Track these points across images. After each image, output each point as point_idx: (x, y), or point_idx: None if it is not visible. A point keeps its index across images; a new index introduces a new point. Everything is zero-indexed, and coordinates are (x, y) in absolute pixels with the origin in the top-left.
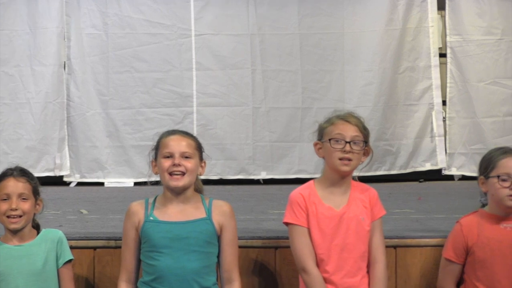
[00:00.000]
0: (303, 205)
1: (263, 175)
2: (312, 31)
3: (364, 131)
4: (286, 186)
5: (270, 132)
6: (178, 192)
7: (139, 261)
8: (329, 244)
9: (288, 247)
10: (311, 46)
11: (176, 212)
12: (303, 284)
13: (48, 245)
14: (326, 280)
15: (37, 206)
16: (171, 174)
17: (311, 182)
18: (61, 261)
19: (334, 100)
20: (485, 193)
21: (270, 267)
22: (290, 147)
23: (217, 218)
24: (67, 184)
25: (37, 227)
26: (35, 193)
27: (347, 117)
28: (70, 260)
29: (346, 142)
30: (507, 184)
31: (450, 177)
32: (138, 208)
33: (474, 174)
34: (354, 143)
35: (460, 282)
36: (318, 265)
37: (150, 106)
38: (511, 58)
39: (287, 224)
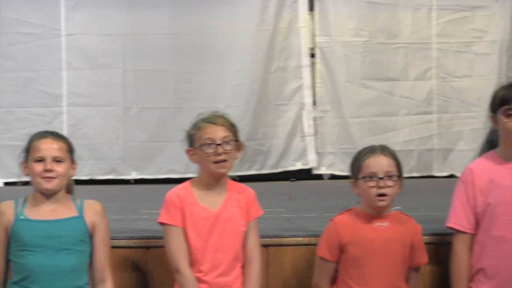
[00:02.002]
0: (178, 206)
1: (134, 175)
2: (184, 31)
3: (232, 128)
4: (157, 186)
5: (141, 132)
6: (49, 195)
7: (7, 262)
8: (204, 244)
9: (160, 247)
10: (183, 46)
11: (47, 212)
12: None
13: None
14: (200, 280)
15: None
16: (42, 177)
17: (187, 182)
18: None
19: (205, 100)
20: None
21: (142, 267)
22: (161, 147)
23: (89, 217)
24: None
25: None
26: None
27: (213, 119)
28: None
29: (217, 144)
30: (373, 183)
31: (320, 176)
32: (7, 208)
33: (343, 173)
34: (226, 143)
35: (334, 280)
36: (192, 265)
37: (20, 106)
38: (378, 60)
39: (162, 224)
